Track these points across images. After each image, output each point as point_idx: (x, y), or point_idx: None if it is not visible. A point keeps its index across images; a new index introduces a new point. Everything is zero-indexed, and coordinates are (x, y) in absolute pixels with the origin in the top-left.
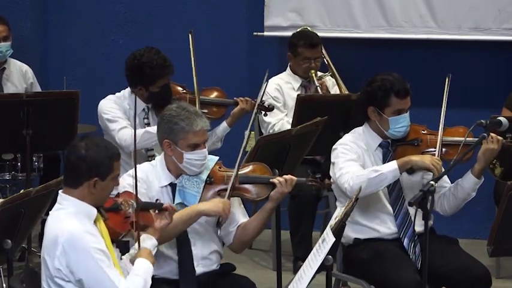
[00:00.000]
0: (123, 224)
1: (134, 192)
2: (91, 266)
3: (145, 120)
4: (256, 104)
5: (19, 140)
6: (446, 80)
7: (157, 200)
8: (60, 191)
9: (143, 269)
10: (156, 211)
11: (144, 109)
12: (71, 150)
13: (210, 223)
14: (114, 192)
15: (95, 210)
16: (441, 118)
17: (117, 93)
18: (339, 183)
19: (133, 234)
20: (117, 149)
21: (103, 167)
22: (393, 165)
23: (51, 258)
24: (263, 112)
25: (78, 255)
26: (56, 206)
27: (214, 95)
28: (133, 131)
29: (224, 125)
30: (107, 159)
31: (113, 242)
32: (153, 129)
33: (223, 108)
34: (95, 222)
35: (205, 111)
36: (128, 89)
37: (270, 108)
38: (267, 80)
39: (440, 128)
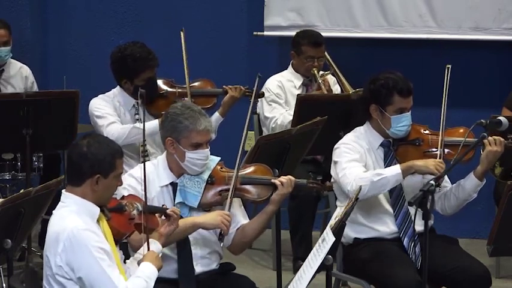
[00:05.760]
0: (127, 225)
1: (139, 194)
2: (91, 264)
3: (136, 116)
4: (253, 93)
5: (19, 140)
6: (446, 71)
7: (163, 205)
8: (63, 190)
9: (146, 272)
10: (163, 217)
11: (134, 105)
12: (73, 148)
13: None
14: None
15: (97, 209)
16: (442, 110)
17: (106, 93)
18: (342, 184)
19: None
20: (119, 147)
21: (105, 164)
22: (396, 169)
23: (52, 255)
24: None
25: (79, 253)
26: (59, 204)
27: (202, 85)
28: (120, 126)
29: (216, 115)
30: (109, 156)
31: (116, 242)
32: (141, 125)
33: (212, 98)
34: (97, 221)
35: (193, 100)
36: (118, 87)
37: (261, 94)
38: (259, 77)
39: (441, 121)
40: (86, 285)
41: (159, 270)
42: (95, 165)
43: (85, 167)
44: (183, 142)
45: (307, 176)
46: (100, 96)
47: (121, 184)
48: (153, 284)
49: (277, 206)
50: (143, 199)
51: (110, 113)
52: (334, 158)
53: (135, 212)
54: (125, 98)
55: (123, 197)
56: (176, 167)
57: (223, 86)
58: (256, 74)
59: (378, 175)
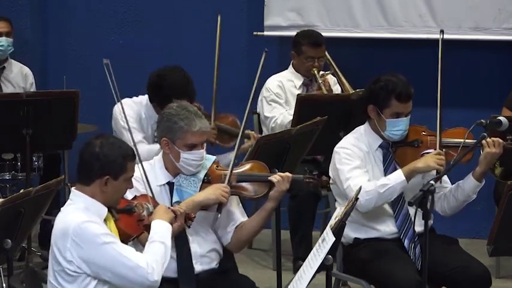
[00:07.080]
0: (136, 227)
1: (139, 194)
2: (104, 250)
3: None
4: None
5: (19, 140)
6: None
7: (177, 201)
8: (72, 188)
9: (159, 232)
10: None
11: (156, 121)
12: (86, 147)
13: (209, 221)
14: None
15: (105, 210)
16: (438, 107)
17: (135, 98)
18: (347, 196)
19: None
20: (132, 150)
21: (116, 166)
22: (400, 176)
23: (61, 251)
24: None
25: (89, 244)
26: (68, 201)
27: (229, 122)
28: (148, 147)
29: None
30: (120, 158)
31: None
32: None
33: (233, 138)
34: (104, 221)
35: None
36: (147, 97)
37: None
38: (266, 52)
39: (438, 118)
40: (106, 274)
41: (171, 223)
42: (105, 166)
43: (96, 167)
44: (178, 143)
45: (304, 172)
46: (127, 101)
47: (131, 187)
48: (170, 242)
49: (276, 202)
50: (155, 201)
51: (136, 127)
52: (336, 164)
53: (145, 213)
54: (150, 112)
55: (135, 197)
56: (172, 166)
57: (248, 131)
58: (257, 73)
59: (383, 186)
